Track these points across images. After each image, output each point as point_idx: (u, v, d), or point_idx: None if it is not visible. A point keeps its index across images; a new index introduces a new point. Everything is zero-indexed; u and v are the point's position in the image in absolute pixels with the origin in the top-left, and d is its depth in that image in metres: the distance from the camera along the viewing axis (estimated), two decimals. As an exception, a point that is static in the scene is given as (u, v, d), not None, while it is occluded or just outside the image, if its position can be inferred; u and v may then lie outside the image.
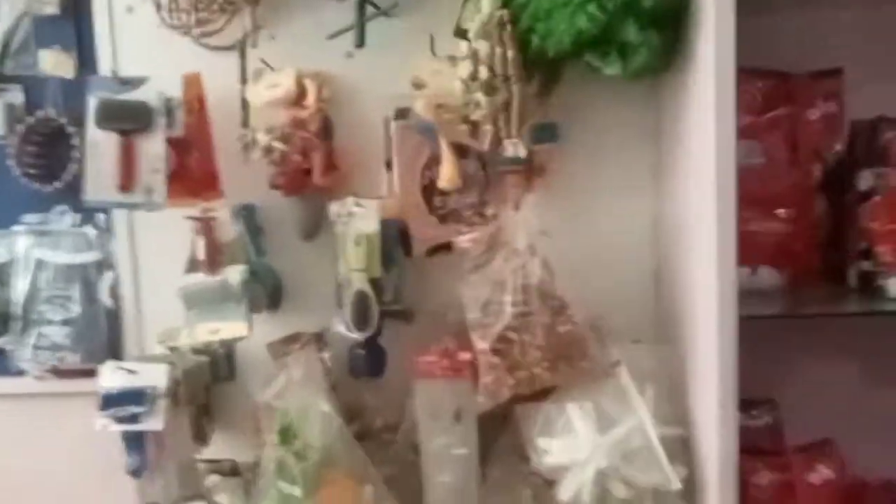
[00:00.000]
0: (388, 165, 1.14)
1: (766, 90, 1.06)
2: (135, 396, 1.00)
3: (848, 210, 1.03)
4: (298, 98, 1.07)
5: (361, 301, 1.02)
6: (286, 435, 1.00)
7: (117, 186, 1.04)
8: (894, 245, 0.97)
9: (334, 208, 1.06)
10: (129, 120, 1.04)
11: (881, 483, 1.09)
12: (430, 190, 1.12)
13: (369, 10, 1.11)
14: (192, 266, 1.06)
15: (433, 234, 1.13)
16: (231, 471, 1.10)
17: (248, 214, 1.13)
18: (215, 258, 1.04)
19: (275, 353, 1.12)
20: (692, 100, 0.97)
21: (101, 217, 1.21)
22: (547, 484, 1.02)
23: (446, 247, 1.11)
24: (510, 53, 1.00)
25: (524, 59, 1.01)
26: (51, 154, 1.20)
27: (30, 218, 1.22)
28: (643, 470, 0.97)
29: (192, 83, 1.09)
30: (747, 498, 0.95)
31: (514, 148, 1.01)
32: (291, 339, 1.13)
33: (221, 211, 1.07)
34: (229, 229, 1.06)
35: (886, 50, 1.10)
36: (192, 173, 1.10)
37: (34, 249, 1.22)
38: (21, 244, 1.22)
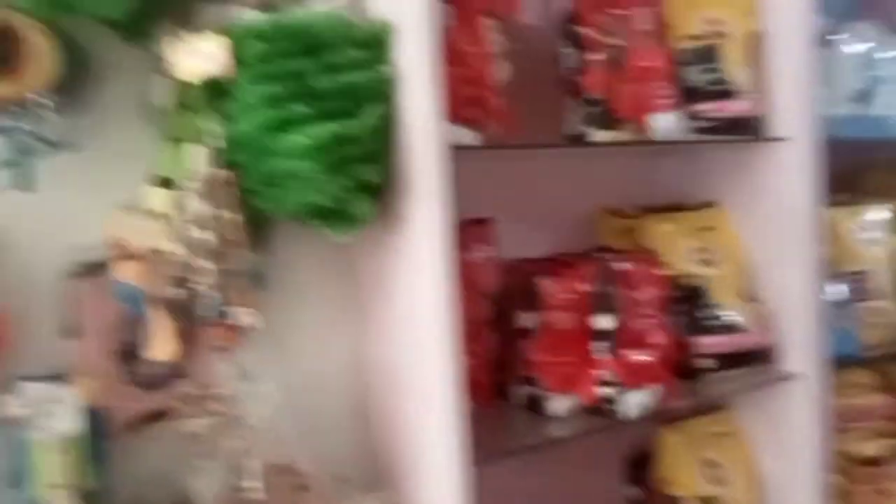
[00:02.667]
0: (69, 333, 0.94)
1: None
2: None
3: (512, 342, 1.21)
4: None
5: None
6: None
7: None
8: (551, 374, 1.16)
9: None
10: None
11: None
12: (125, 355, 0.97)
13: (36, 143, 0.91)
14: None
15: (135, 405, 0.98)
16: None
17: None
18: None
19: None
20: (405, 255, 1.05)
21: None
22: None
23: (152, 417, 0.97)
24: (235, 217, 0.93)
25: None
26: None
27: None
28: None
29: None
30: None
31: (248, 317, 0.94)
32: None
33: None
34: None
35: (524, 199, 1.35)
36: None
37: None
38: None
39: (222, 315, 0.96)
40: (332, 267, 1.18)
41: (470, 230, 1.25)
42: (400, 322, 1.09)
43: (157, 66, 0.95)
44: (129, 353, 0.98)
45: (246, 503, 0.91)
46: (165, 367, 1.00)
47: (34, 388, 0.85)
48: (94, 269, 0.95)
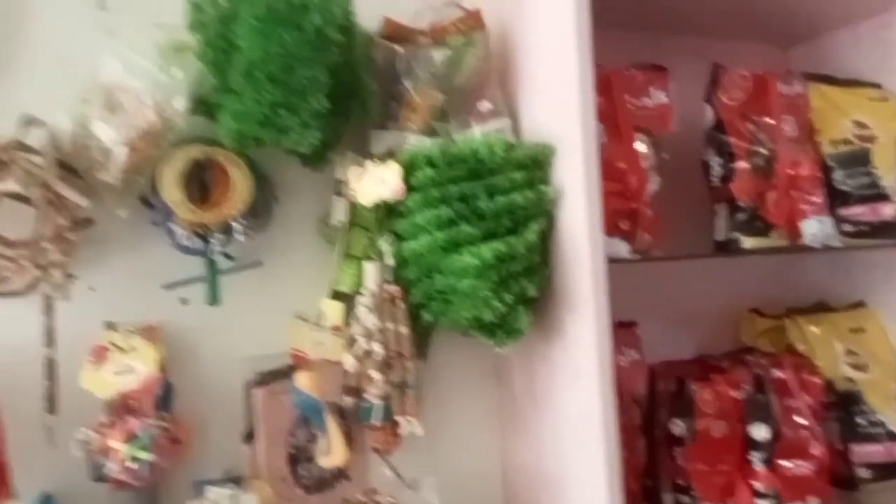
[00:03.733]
0: (248, 438, 1.00)
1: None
2: None
3: (662, 448, 1.20)
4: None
5: None
6: None
7: None
8: (706, 484, 1.14)
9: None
10: None
11: None
12: (295, 458, 1.02)
13: (221, 259, 1.00)
14: None
15: (301, 509, 1.02)
16: None
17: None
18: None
19: None
20: (560, 364, 1.06)
21: None
22: None
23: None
24: (403, 330, 0.98)
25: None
26: None
27: None
28: None
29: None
30: None
31: (411, 426, 0.97)
32: None
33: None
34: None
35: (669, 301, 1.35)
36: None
37: None
38: None
39: (387, 421, 1.00)
40: (484, 374, 1.21)
41: (617, 334, 1.25)
42: (552, 429, 1.09)
43: (335, 188, 1.04)
44: (299, 457, 1.03)
45: None
46: (331, 471, 1.05)
47: (214, 493, 0.90)
48: (272, 378, 1.01)
